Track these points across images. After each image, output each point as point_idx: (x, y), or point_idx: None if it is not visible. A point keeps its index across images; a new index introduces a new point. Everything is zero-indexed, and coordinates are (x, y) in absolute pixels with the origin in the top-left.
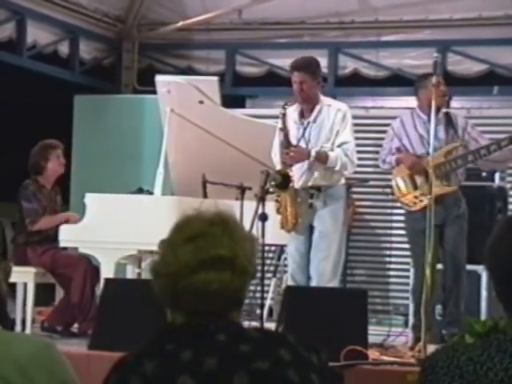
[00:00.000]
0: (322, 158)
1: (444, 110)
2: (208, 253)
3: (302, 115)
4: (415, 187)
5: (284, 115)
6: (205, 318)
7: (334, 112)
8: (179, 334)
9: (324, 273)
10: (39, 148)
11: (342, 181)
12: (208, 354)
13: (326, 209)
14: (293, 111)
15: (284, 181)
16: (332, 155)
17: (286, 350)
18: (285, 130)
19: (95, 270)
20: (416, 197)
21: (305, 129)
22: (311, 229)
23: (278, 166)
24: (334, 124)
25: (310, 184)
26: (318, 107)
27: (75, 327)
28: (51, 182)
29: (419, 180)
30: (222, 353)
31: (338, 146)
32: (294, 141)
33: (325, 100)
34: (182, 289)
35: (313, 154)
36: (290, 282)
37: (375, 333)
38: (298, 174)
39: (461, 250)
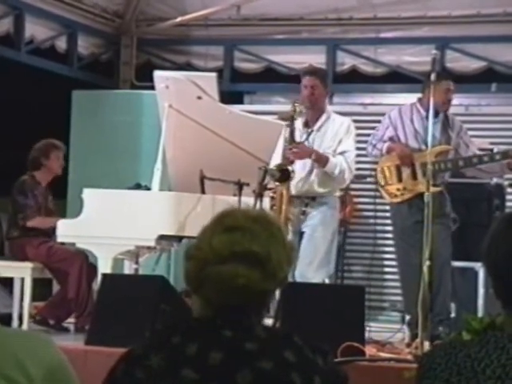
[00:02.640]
0: (322, 160)
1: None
2: (242, 246)
3: (307, 124)
4: (400, 180)
5: (294, 111)
6: (221, 314)
7: (338, 123)
8: (187, 327)
9: (306, 277)
10: (42, 145)
11: (337, 193)
12: (213, 349)
13: (317, 216)
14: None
15: (283, 174)
16: (332, 160)
17: (291, 352)
18: (291, 126)
19: (91, 266)
20: (398, 189)
21: (308, 136)
22: (301, 235)
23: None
24: (337, 133)
25: (306, 188)
26: (323, 117)
27: (68, 322)
28: (47, 180)
29: (405, 174)
30: (226, 349)
31: (340, 154)
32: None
33: (331, 112)
34: (208, 275)
35: (314, 155)
36: None
37: (372, 329)
38: (296, 178)
39: (446, 247)
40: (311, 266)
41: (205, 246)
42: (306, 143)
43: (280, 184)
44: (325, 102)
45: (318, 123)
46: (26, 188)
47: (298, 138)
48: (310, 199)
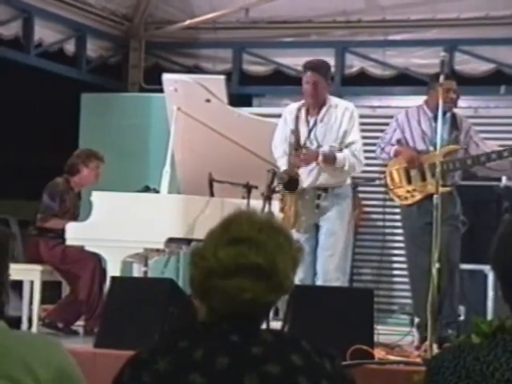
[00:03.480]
0: (329, 160)
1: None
2: (248, 259)
3: (308, 113)
4: (409, 181)
5: (297, 117)
6: (227, 320)
7: (341, 112)
8: (193, 331)
9: (329, 271)
10: (83, 152)
11: (349, 181)
12: (220, 354)
13: (332, 208)
14: (298, 109)
15: (292, 183)
16: (340, 157)
17: (298, 356)
18: (296, 131)
19: (104, 269)
20: (408, 191)
21: (312, 127)
22: (317, 227)
23: (281, 163)
24: (341, 124)
25: (317, 183)
26: (325, 107)
27: (77, 325)
28: (80, 187)
29: (414, 175)
30: (233, 353)
31: (346, 147)
32: (301, 139)
33: (332, 100)
34: (213, 287)
35: (320, 157)
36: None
37: (381, 332)
38: (305, 172)
39: (455, 249)
40: (333, 258)
41: (210, 256)
42: (310, 136)
43: (288, 192)
44: (326, 94)
45: (321, 113)
46: (56, 191)
47: (302, 128)
48: (322, 190)
